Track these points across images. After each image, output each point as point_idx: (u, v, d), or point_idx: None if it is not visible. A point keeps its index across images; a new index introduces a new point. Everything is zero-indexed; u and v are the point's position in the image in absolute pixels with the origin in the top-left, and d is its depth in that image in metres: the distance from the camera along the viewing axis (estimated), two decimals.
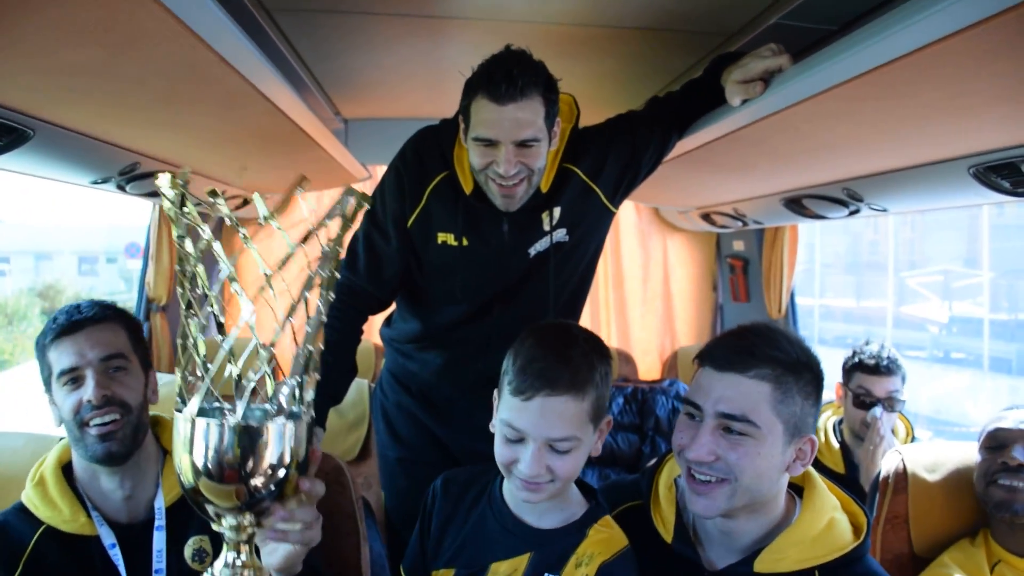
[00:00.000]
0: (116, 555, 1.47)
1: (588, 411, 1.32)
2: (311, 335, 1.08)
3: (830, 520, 1.31)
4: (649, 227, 4.35)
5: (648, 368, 4.29)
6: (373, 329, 2.84)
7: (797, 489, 1.38)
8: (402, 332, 2.19)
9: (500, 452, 1.36)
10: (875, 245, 17.66)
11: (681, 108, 2.08)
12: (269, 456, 0.99)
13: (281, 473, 1.01)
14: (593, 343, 1.38)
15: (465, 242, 1.95)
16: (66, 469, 1.55)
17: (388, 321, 2.27)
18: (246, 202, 3.42)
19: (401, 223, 1.97)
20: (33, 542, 1.46)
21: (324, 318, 1.08)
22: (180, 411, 0.99)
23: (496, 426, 1.38)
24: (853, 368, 2.47)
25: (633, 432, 2.78)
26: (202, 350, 1.03)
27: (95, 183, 2.26)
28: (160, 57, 1.37)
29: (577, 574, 1.34)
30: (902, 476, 1.82)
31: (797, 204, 2.64)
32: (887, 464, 1.85)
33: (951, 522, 1.82)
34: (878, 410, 2.36)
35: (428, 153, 1.97)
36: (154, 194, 2.63)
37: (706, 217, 3.64)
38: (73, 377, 1.47)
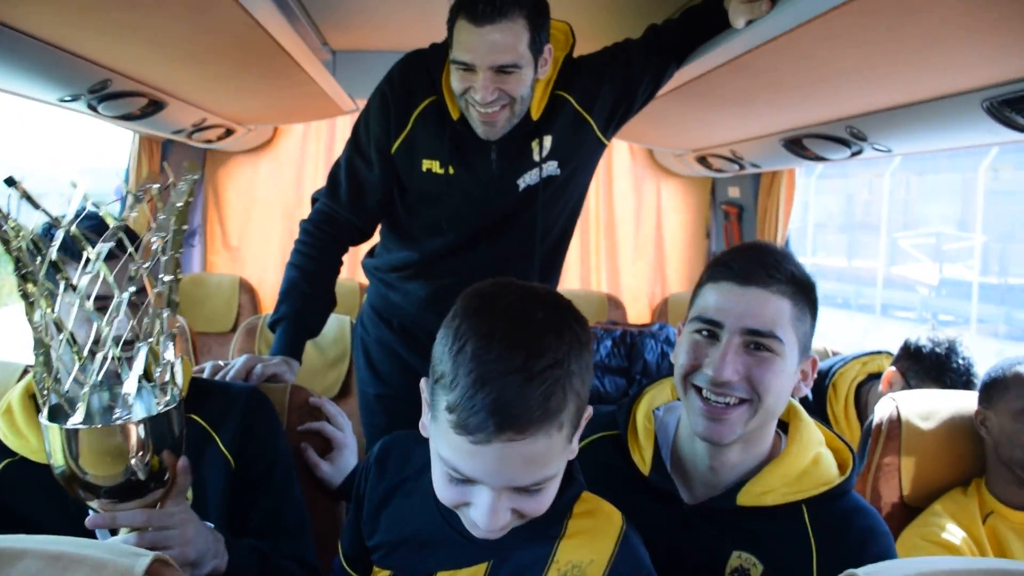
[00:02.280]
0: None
1: (567, 436, 0.99)
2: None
3: (816, 455, 1.27)
4: (643, 171, 4.26)
5: (637, 314, 4.25)
6: (358, 267, 2.78)
7: (782, 425, 1.33)
8: (386, 261, 2.13)
9: (442, 492, 1.03)
10: (869, 206, 17.66)
11: (680, 37, 2.00)
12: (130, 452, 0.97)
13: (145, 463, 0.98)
14: (570, 329, 0.99)
15: (451, 170, 1.89)
16: (34, 398, 1.45)
17: (372, 252, 2.22)
18: (230, 132, 3.32)
19: (385, 149, 1.91)
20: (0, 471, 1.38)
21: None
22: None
23: (432, 455, 1.04)
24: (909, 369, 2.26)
25: (621, 375, 2.73)
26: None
27: (63, 100, 2.15)
28: None
29: None
30: (896, 423, 1.78)
31: (797, 144, 2.56)
32: (881, 411, 1.81)
33: (943, 471, 1.78)
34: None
35: (415, 77, 1.89)
36: (130, 117, 2.53)
37: (702, 160, 3.56)
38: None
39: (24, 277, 0.96)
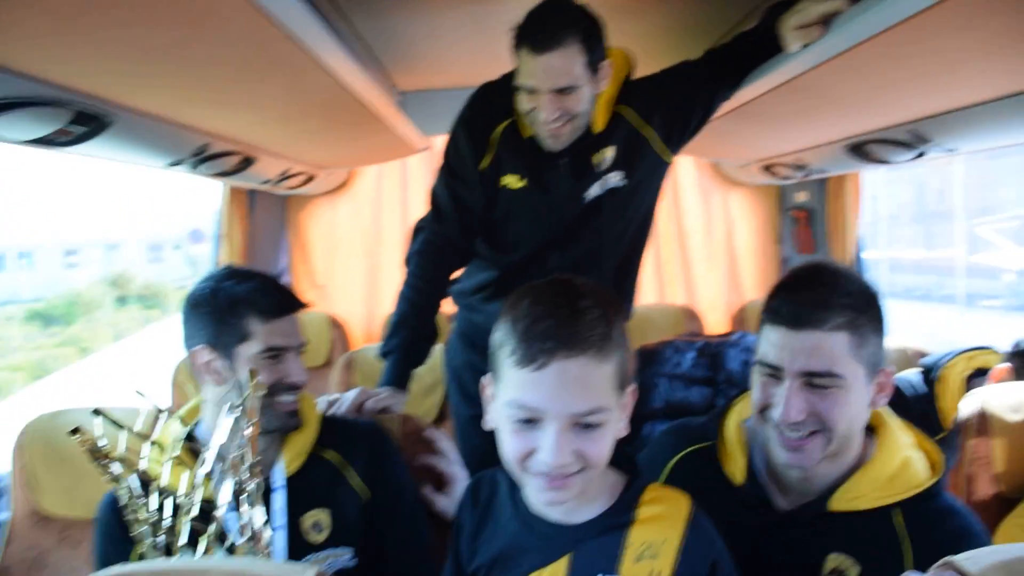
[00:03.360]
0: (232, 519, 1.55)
1: (613, 375, 1.09)
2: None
3: (905, 458, 1.31)
4: (710, 183, 4.31)
5: (714, 324, 4.28)
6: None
7: (870, 428, 1.37)
8: (468, 285, 2.28)
9: (511, 446, 1.12)
10: (942, 193, 17.20)
11: (733, 61, 2.08)
12: None
13: None
14: (605, 295, 1.15)
15: (525, 183, 2.04)
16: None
17: (456, 279, 2.34)
18: (311, 178, 3.51)
19: (475, 168, 2.06)
20: None
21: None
22: None
23: (498, 416, 1.15)
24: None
25: (706, 385, 2.78)
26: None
27: (170, 165, 2.35)
28: (229, 36, 1.42)
29: (642, 571, 1.14)
30: (983, 417, 1.80)
31: (860, 150, 2.59)
32: (967, 407, 1.84)
33: None
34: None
35: (491, 104, 2.06)
36: (224, 174, 2.73)
37: (767, 169, 3.59)
38: (275, 355, 1.55)
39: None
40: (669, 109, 2.06)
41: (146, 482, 1.33)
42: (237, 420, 1.27)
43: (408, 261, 2.16)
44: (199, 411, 1.63)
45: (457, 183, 2.09)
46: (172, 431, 1.55)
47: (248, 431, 1.21)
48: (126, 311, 24.92)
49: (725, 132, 2.74)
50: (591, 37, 1.82)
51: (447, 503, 1.77)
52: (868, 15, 1.47)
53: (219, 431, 1.19)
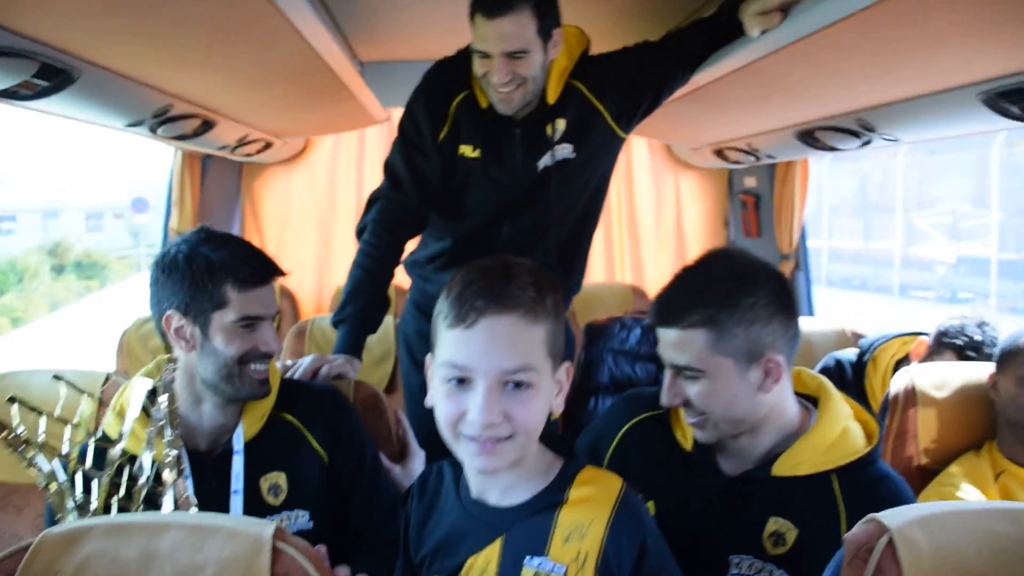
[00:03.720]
0: (188, 484, 1.50)
1: (543, 340, 1.13)
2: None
3: (844, 428, 1.37)
4: (662, 165, 4.39)
5: None
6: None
7: (814, 401, 1.44)
8: (422, 255, 2.34)
9: (444, 410, 1.13)
10: (883, 187, 17.62)
11: (692, 44, 2.15)
12: None
13: None
14: (539, 272, 1.17)
15: (480, 153, 2.11)
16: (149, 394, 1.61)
17: (411, 251, 2.39)
18: (268, 145, 3.49)
19: (433, 139, 2.11)
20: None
21: None
22: None
23: (434, 380, 1.17)
24: (941, 346, 2.38)
25: (650, 361, 2.87)
26: None
27: (129, 126, 2.33)
28: None
29: (569, 551, 1.15)
30: (911, 393, 1.89)
31: (810, 136, 2.69)
32: (897, 382, 1.93)
33: (957, 437, 1.89)
34: None
35: (448, 76, 2.12)
36: (182, 137, 2.71)
37: (719, 153, 3.69)
38: (250, 323, 1.53)
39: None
40: (622, 87, 2.12)
41: (103, 448, 1.36)
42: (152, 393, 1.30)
43: (362, 231, 2.21)
44: (158, 373, 1.62)
45: (414, 152, 2.14)
46: (135, 393, 1.52)
47: (165, 405, 1.25)
48: (63, 280, 24.27)
49: (679, 115, 2.81)
50: (542, 3, 1.90)
51: (402, 474, 1.83)
52: (822, 5, 1.54)
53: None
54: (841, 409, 1.40)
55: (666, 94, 2.21)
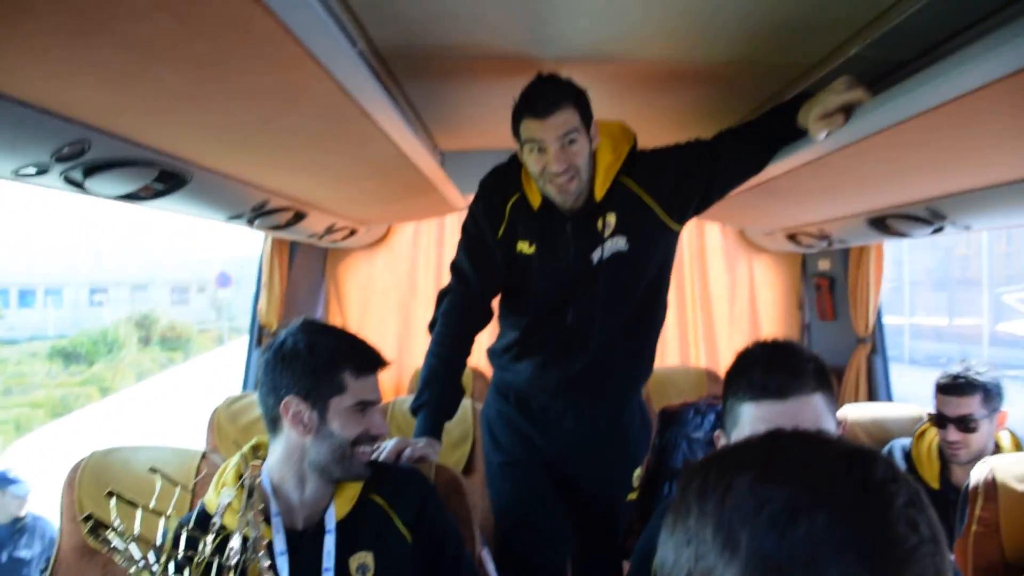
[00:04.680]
0: (283, 562, 1.61)
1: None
2: None
3: None
4: (735, 249, 4.44)
5: None
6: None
7: None
8: (498, 346, 2.47)
9: None
10: (967, 260, 17.17)
11: (745, 144, 2.23)
12: None
13: None
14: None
15: (536, 248, 2.24)
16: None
17: (494, 341, 2.51)
18: (353, 232, 3.67)
19: (493, 237, 2.26)
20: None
21: None
22: None
23: None
24: (935, 388, 2.54)
25: None
26: None
27: (230, 219, 2.51)
28: (310, 111, 1.58)
29: None
30: (991, 485, 1.87)
31: (881, 223, 2.72)
32: (976, 474, 1.90)
33: None
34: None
35: (501, 181, 2.28)
36: (276, 227, 2.89)
37: (791, 237, 3.72)
38: (363, 408, 1.66)
39: None
40: (669, 183, 2.21)
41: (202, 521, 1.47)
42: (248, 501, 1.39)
43: (434, 324, 2.34)
44: (262, 451, 1.74)
45: (475, 247, 2.29)
46: (236, 475, 1.65)
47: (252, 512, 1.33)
48: (148, 352, 25.14)
49: (751, 203, 2.87)
50: (581, 100, 2.06)
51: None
52: (888, 107, 1.61)
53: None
54: None
55: (717, 191, 2.29)
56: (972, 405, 2.45)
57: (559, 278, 2.25)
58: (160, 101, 1.37)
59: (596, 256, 2.21)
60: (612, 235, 2.20)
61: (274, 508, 1.65)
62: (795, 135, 2.07)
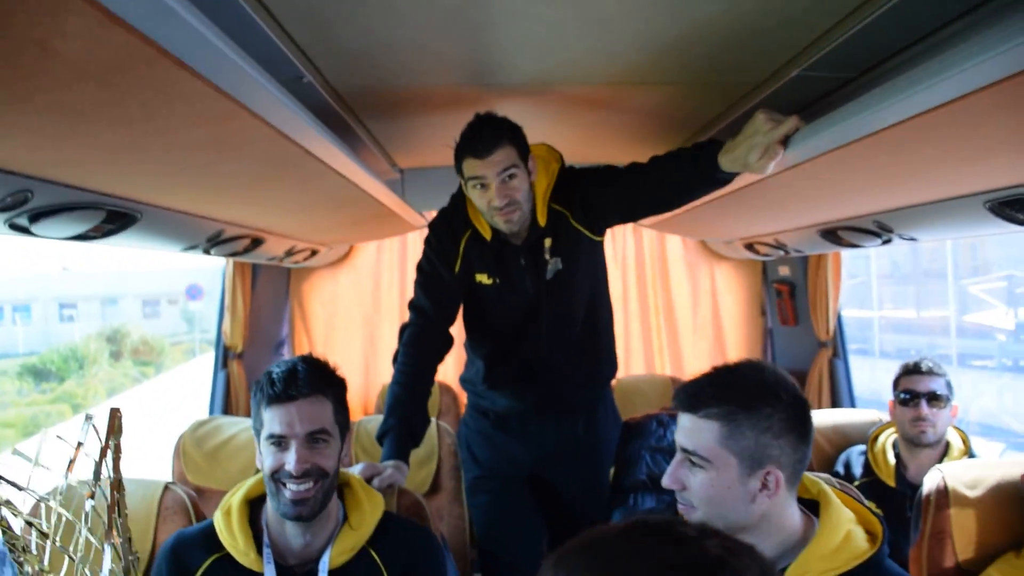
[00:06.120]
0: None
1: None
2: None
3: (847, 532, 1.40)
4: (696, 257, 4.47)
5: None
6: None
7: (814, 506, 1.48)
8: (469, 375, 2.59)
9: None
10: (934, 252, 17.37)
11: (661, 174, 2.24)
12: None
13: None
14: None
15: (498, 280, 2.36)
16: (253, 502, 1.73)
17: (464, 370, 2.64)
18: (314, 252, 3.66)
19: (450, 271, 2.36)
20: (204, 567, 1.65)
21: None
22: None
23: None
24: (899, 377, 2.65)
25: None
26: None
27: (185, 249, 2.51)
28: (253, 156, 1.58)
29: None
30: (943, 493, 1.90)
31: (833, 235, 2.76)
32: (928, 482, 1.93)
33: (995, 537, 1.88)
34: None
35: (452, 221, 2.39)
36: (235, 254, 2.88)
37: (749, 247, 3.76)
38: (277, 442, 1.62)
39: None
40: (588, 207, 2.35)
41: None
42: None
43: (396, 357, 2.39)
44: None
45: (431, 283, 2.38)
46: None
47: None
48: (120, 366, 24.85)
49: (703, 217, 2.91)
50: (517, 136, 2.18)
51: None
52: (828, 130, 1.64)
53: None
54: (842, 514, 1.43)
55: (640, 212, 2.43)
56: (940, 384, 2.58)
57: (518, 307, 2.38)
58: (99, 153, 1.37)
59: (543, 280, 2.34)
60: (552, 256, 2.34)
61: (266, 539, 1.67)
62: (714, 179, 2.09)
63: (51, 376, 22.30)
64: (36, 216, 1.62)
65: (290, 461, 1.59)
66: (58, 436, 1.10)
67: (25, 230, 1.68)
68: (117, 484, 1.13)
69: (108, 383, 22.50)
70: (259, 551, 1.65)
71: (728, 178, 2.07)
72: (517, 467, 2.54)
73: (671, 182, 2.22)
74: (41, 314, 30.47)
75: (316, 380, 1.65)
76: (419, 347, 2.35)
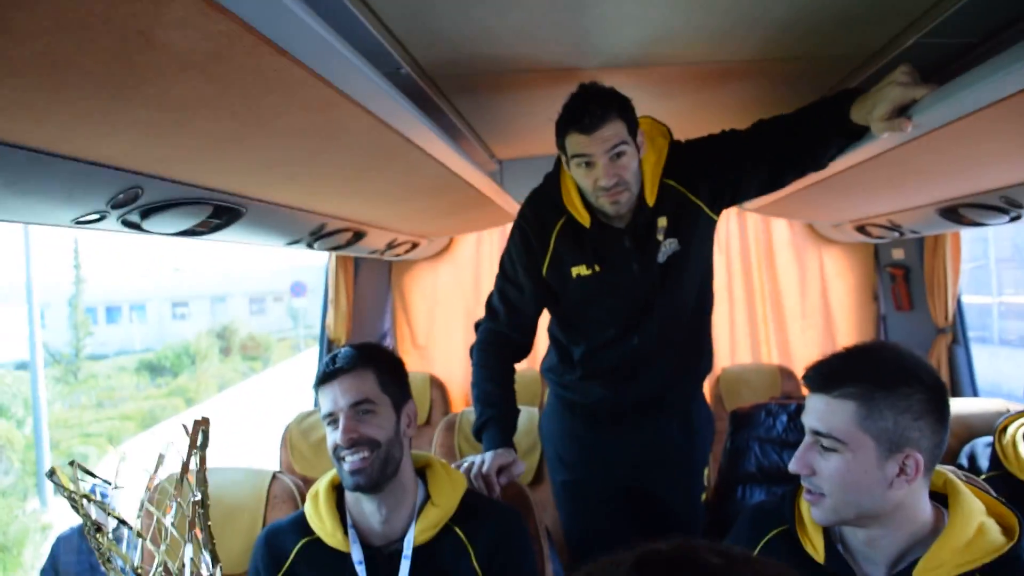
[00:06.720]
0: (361, 571, 1.67)
1: None
2: None
3: (980, 524, 1.33)
4: (803, 241, 4.31)
5: None
6: (536, 358, 2.98)
7: (943, 499, 1.41)
8: (556, 365, 2.38)
9: None
10: None
11: (786, 135, 2.12)
12: None
13: None
14: None
15: (598, 268, 2.16)
16: (340, 487, 1.78)
17: (546, 358, 2.45)
18: (415, 245, 3.70)
19: (535, 273, 2.19)
20: (296, 550, 1.72)
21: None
22: None
23: None
24: None
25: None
26: None
27: (288, 244, 2.56)
28: (354, 145, 1.59)
29: None
30: None
31: (953, 213, 2.61)
32: None
33: None
34: None
35: (542, 207, 2.20)
36: (337, 247, 2.93)
37: (861, 229, 3.60)
38: (331, 420, 1.69)
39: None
40: (708, 174, 2.15)
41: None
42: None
43: (472, 352, 2.32)
44: None
45: (510, 287, 2.24)
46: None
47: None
48: (229, 362, 25.82)
49: (812, 199, 2.79)
50: (626, 109, 1.98)
51: None
52: (952, 99, 1.53)
53: None
54: (974, 505, 1.37)
55: (755, 178, 2.19)
56: None
57: (624, 295, 2.19)
58: (204, 147, 1.40)
59: (657, 263, 2.16)
60: (666, 238, 2.15)
61: (350, 520, 1.73)
62: (846, 130, 1.96)
63: (166, 371, 23.34)
64: (147, 212, 1.68)
65: (339, 434, 1.67)
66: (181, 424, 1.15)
67: (136, 226, 1.74)
68: (202, 480, 1.20)
69: (218, 378, 23.40)
70: (346, 532, 1.71)
71: (861, 131, 1.93)
72: (611, 474, 2.32)
73: (805, 133, 2.07)
74: (156, 313, 31.88)
75: (356, 356, 1.72)
76: (491, 353, 2.25)
